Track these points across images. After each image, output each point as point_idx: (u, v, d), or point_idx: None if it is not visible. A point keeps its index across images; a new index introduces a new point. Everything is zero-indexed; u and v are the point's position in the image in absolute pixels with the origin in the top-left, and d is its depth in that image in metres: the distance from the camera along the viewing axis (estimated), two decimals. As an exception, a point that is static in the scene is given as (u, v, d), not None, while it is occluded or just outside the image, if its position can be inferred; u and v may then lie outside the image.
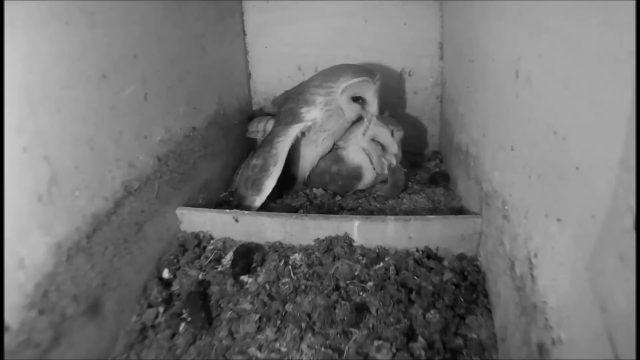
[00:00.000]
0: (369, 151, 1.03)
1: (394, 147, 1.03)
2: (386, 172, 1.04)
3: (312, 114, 1.00)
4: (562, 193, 0.48)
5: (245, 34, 1.30)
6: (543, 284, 0.52)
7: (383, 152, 1.04)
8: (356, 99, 1.00)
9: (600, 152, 0.40)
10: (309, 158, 1.08)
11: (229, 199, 1.06)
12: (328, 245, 0.83)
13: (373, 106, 1.01)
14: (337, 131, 1.05)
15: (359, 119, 1.04)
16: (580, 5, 0.43)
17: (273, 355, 0.64)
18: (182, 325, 0.71)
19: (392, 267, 0.78)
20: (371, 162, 1.04)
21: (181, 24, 0.92)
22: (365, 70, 0.99)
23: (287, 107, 1.05)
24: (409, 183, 1.11)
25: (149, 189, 0.79)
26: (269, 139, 1.00)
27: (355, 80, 0.96)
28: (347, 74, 0.98)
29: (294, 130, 0.99)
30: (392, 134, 1.02)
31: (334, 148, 1.08)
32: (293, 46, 1.29)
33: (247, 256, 0.82)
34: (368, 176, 1.05)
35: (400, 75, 1.26)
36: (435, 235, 0.82)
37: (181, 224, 0.90)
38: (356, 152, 1.04)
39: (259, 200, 0.94)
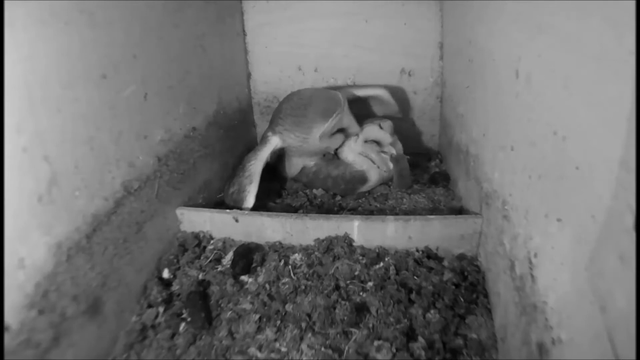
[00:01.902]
0: (367, 153, 1.04)
1: (387, 138, 1.03)
2: (391, 165, 1.04)
3: (275, 137, 1.01)
4: (562, 193, 0.48)
5: (245, 34, 1.30)
6: (543, 284, 0.52)
7: (380, 147, 1.04)
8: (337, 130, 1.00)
9: (600, 152, 0.39)
10: (294, 164, 1.10)
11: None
12: (328, 245, 0.83)
13: (354, 127, 1.01)
14: (317, 152, 1.05)
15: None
16: (580, 5, 0.43)
17: (273, 355, 0.64)
18: (182, 325, 0.71)
19: (392, 267, 0.78)
20: (374, 162, 1.04)
21: (181, 24, 0.92)
22: (332, 100, 0.97)
23: (263, 134, 1.08)
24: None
25: (149, 189, 0.79)
26: (241, 166, 1.00)
27: (328, 123, 0.95)
28: (317, 121, 0.96)
29: (264, 154, 0.99)
30: (381, 127, 1.03)
31: (334, 155, 1.08)
32: (293, 46, 1.28)
33: (247, 256, 0.82)
34: (373, 178, 1.05)
35: (400, 75, 1.26)
36: (435, 235, 0.82)
37: (181, 224, 0.90)
38: (356, 157, 1.05)
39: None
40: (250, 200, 0.93)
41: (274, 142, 1.01)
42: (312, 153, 1.05)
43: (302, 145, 1.01)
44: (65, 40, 0.59)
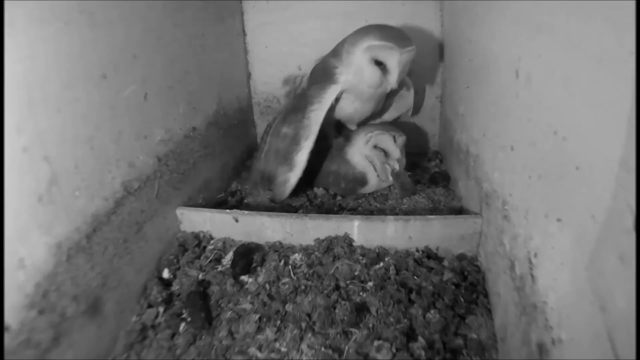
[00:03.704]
0: (372, 158, 1.04)
1: (396, 152, 1.03)
2: (390, 178, 1.04)
3: (344, 75, 0.93)
4: (562, 193, 0.48)
5: (245, 34, 1.30)
6: (543, 284, 0.52)
7: (386, 158, 1.04)
8: (378, 63, 0.92)
9: (600, 152, 0.40)
10: (342, 107, 1.02)
11: (226, 199, 1.06)
12: (328, 245, 0.83)
13: (393, 76, 0.92)
14: (366, 98, 0.98)
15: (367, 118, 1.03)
16: (580, 5, 0.43)
17: (273, 355, 0.64)
18: (182, 325, 0.71)
19: (392, 267, 0.78)
20: (375, 170, 1.04)
21: (181, 24, 0.92)
22: (397, 37, 0.90)
23: (320, 64, 0.98)
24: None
25: (149, 189, 0.79)
26: (302, 106, 0.91)
27: (378, 43, 0.88)
28: (373, 34, 0.89)
29: (329, 97, 0.91)
30: (395, 140, 1.02)
31: (342, 152, 1.08)
32: (293, 46, 1.29)
33: (247, 256, 0.82)
34: (373, 182, 1.05)
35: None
36: (435, 235, 0.82)
37: (181, 224, 0.90)
38: (361, 158, 1.05)
39: (294, 177, 0.88)
40: (301, 159, 0.86)
41: (342, 82, 0.91)
42: (359, 88, 0.95)
43: (347, 54, 0.92)
44: (65, 40, 0.59)
